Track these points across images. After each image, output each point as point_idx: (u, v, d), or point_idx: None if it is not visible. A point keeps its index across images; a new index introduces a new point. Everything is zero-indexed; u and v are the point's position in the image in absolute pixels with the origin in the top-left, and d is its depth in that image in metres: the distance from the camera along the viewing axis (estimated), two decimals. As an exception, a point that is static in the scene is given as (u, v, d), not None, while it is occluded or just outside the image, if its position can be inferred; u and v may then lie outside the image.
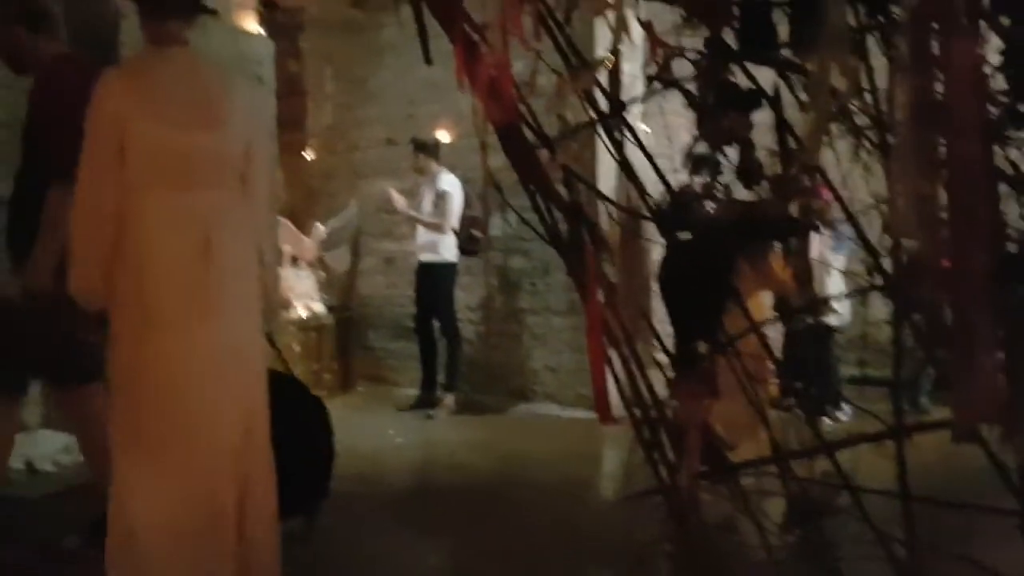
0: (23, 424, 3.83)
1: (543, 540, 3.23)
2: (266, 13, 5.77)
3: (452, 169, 5.80)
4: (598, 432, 4.79)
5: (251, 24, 4.01)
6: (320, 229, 6.63)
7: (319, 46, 7.17)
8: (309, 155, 7.26)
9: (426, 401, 5.76)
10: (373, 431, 5.11)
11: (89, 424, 2.98)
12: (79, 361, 2.90)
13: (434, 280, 5.74)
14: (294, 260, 6.35)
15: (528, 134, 2.07)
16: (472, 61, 1.93)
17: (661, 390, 2.06)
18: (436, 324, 5.81)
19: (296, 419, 2.59)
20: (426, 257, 5.76)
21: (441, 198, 5.66)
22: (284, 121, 4.98)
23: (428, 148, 5.82)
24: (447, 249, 5.71)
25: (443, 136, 6.16)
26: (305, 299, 6.28)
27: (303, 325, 6.12)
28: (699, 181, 1.95)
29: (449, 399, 5.74)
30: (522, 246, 5.79)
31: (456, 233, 5.68)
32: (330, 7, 6.56)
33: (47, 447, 3.54)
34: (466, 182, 5.75)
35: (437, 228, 5.67)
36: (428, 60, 2.07)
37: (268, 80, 4.06)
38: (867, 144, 1.77)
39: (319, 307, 6.52)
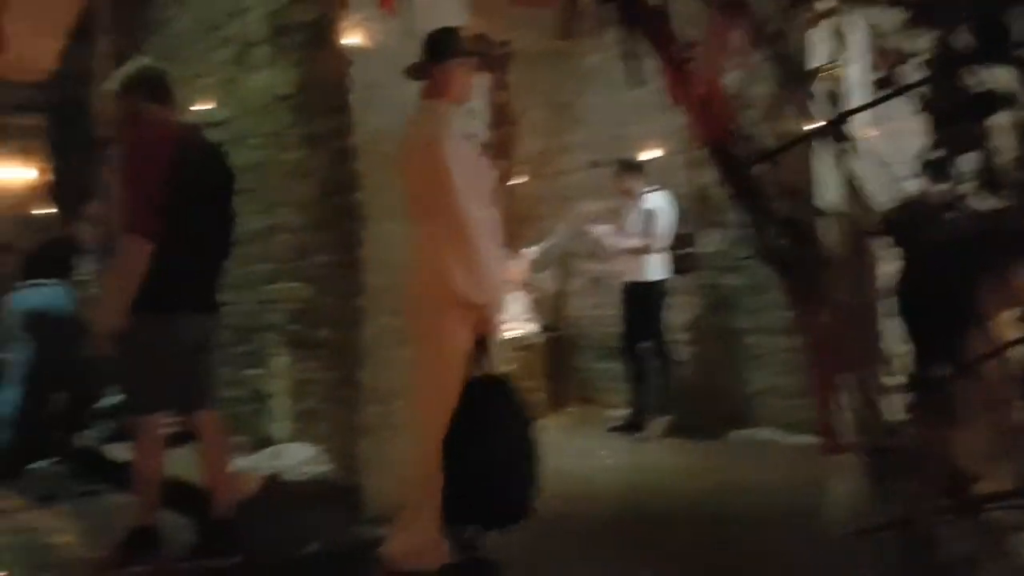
0: (274, 438, 4.24)
1: (758, 575, 3.10)
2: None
3: (661, 187, 5.77)
4: (823, 460, 4.54)
5: (466, 60, 4.21)
6: (529, 252, 6.82)
7: (526, 76, 7.41)
8: (518, 181, 7.49)
9: (636, 424, 5.72)
10: (583, 452, 5.14)
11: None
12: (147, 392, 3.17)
13: (641, 300, 5.71)
14: (504, 283, 6.56)
15: (742, 148, 2.03)
16: (681, 78, 1.92)
17: (894, 416, 1.92)
18: (645, 345, 5.77)
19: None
20: (633, 277, 5.75)
21: (648, 217, 5.63)
22: (494, 150, 5.19)
23: (632, 168, 5.82)
24: (654, 268, 5.67)
25: (650, 155, 6.15)
26: (516, 320, 6.47)
27: (514, 345, 6.29)
28: (937, 190, 1.82)
29: (660, 422, 5.66)
30: (736, 263, 5.64)
31: (665, 252, 5.63)
32: (536, 38, 6.75)
33: (294, 459, 3.86)
34: (675, 199, 5.70)
35: (645, 250, 5.64)
36: (637, 83, 2.08)
37: (480, 112, 4.23)
38: None
39: (530, 328, 6.69)
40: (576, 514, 3.80)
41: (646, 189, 5.76)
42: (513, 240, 6.95)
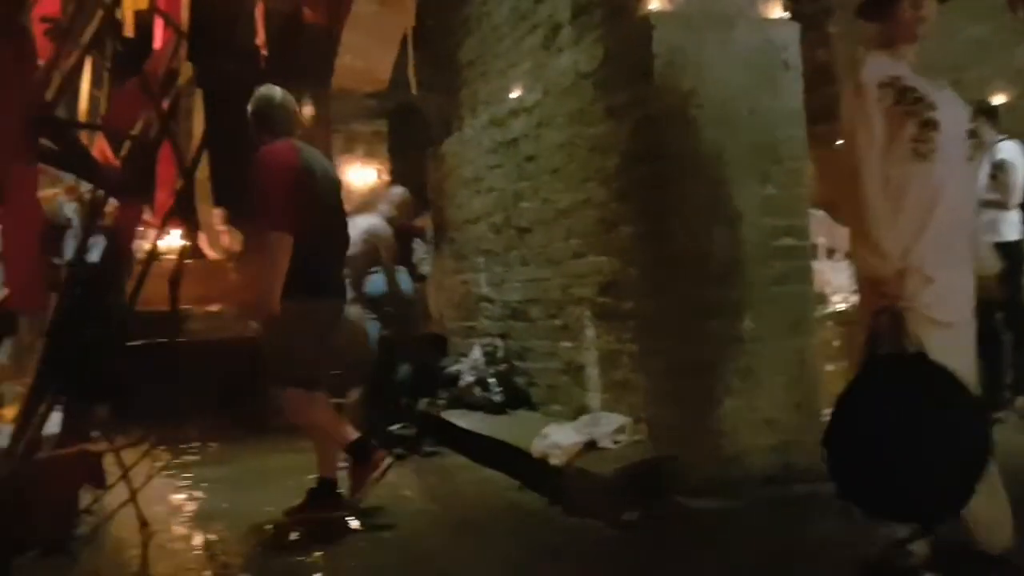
0: (589, 407, 4.36)
1: None
2: (791, 3, 5.70)
3: (1010, 135, 5.02)
4: None
5: (776, 11, 3.98)
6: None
7: (849, 29, 6.82)
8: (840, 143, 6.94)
9: (991, 402, 5.03)
10: (926, 432, 4.61)
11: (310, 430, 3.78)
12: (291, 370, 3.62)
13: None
14: (830, 252, 6.11)
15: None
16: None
17: None
18: (999, 314, 5.06)
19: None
20: (985, 238, 5.05)
21: (1000, 169, 4.91)
22: (814, 113, 4.82)
23: (985, 112, 5.10)
24: (1010, 227, 4.94)
25: (998, 100, 5.37)
26: (843, 292, 6.00)
27: (841, 319, 5.83)
28: None
29: (1020, 401, 4.99)
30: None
31: (1022, 208, 4.89)
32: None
33: (606, 427, 3.93)
34: (1029, 147, 4.93)
35: (999, 205, 4.93)
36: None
37: (794, 64, 3.97)
38: None
39: (855, 300, 6.16)
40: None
41: (998, 138, 5.03)
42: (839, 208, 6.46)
